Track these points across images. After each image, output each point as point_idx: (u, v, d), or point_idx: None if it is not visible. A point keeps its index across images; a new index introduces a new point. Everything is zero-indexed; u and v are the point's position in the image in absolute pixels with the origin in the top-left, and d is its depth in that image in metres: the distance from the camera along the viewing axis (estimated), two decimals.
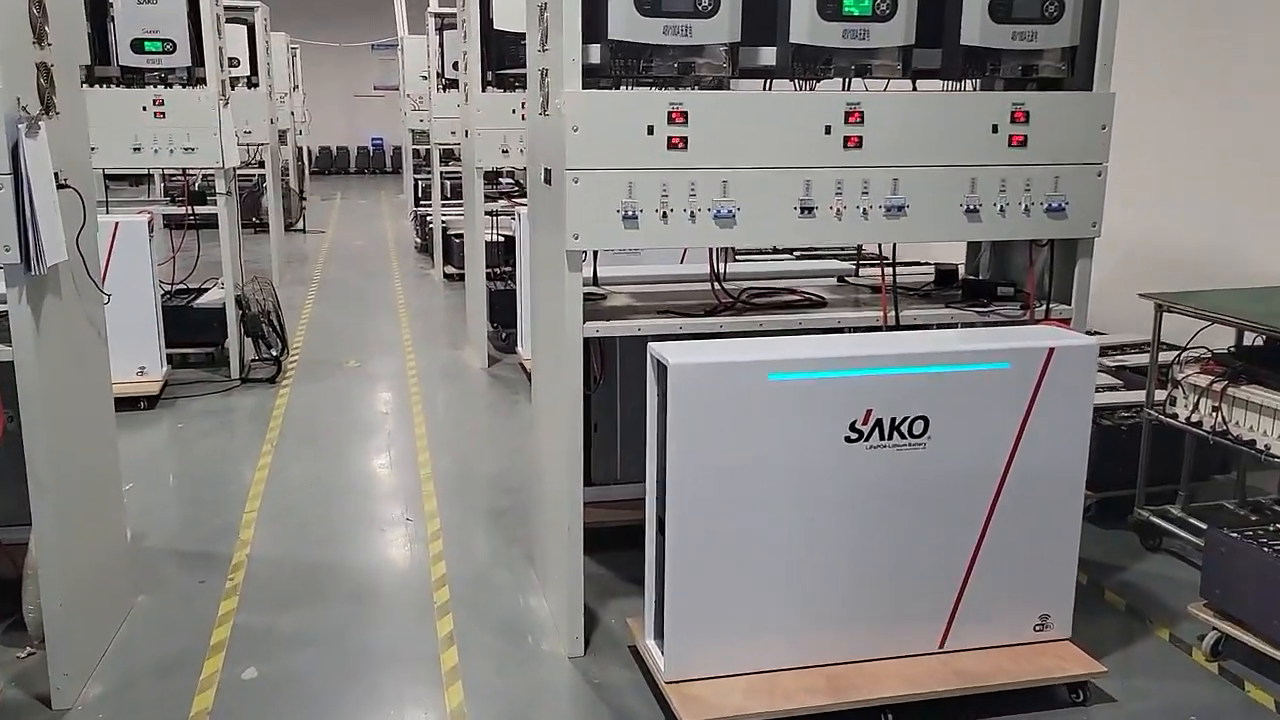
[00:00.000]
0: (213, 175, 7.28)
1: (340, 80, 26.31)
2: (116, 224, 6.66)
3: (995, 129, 3.72)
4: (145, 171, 12.39)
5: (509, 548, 4.75)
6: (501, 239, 9.98)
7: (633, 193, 3.48)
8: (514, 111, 7.37)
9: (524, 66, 5.64)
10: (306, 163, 21.18)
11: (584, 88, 3.43)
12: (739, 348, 3.49)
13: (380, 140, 27.63)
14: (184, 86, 7.06)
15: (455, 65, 10.98)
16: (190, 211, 7.19)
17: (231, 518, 5.03)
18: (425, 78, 15.83)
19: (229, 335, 7.42)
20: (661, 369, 3.34)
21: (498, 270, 8.81)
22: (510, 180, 12.36)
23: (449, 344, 8.65)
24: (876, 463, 3.44)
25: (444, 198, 12.12)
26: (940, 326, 3.98)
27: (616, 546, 4.25)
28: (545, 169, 3.78)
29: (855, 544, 3.48)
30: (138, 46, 6.91)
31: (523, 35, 7.36)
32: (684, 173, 3.51)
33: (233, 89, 10.69)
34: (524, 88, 7.55)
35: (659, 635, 3.47)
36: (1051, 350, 3.45)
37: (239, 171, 13.66)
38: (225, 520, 5.00)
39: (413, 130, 16.31)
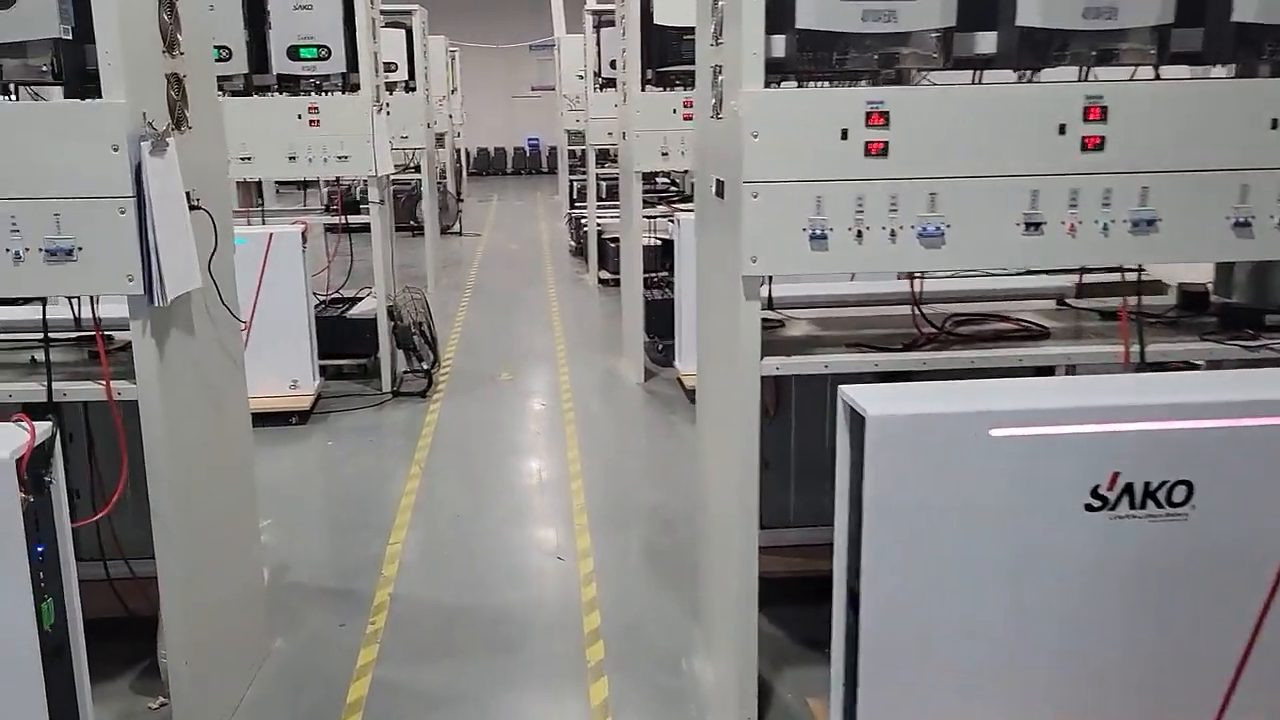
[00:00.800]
0: (367, 183, 7.09)
1: (498, 81, 26.54)
2: (271, 235, 6.54)
3: (1275, 124, 3.01)
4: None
5: (669, 596, 4.29)
6: (658, 242, 9.59)
7: (822, 208, 2.95)
8: (674, 112, 6.92)
9: (687, 63, 5.21)
10: (464, 164, 21.36)
11: (765, 86, 2.92)
12: (951, 394, 2.87)
13: (536, 140, 27.76)
14: (340, 93, 6.90)
15: (613, 64, 10.64)
16: (344, 221, 7.03)
17: (375, 550, 4.74)
18: (581, 77, 15.68)
19: (380, 347, 7.23)
20: (857, 419, 2.74)
21: (655, 277, 8.39)
22: (667, 181, 11.98)
23: (604, 355, 8.27)
24: (1125, 536, 2.77)
25: (599, 200, 11.80)
26: (1191, 366, 3.30)
27: (790, 599, 3.73)
28: (717, 180, 3.28)
29: (1096, 636, 2.85)
30: (293, 53, 6.77)
31: (685, 30, 6.94)
32: (883, 183, 2.96)
33: (390, 94, 10.73)
34: (686, 86, 7.13)
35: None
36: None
37: (395, 176, 13.77)
38: (369, 553, 4.72)
39: (569, 131, 16.13)
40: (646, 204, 7.78)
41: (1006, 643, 2.82)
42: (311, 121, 6.79)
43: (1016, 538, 2.77)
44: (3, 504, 2.45)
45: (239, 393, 3.73)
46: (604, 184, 12.91)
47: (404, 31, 10.51)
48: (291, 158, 6.81)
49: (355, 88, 6.87)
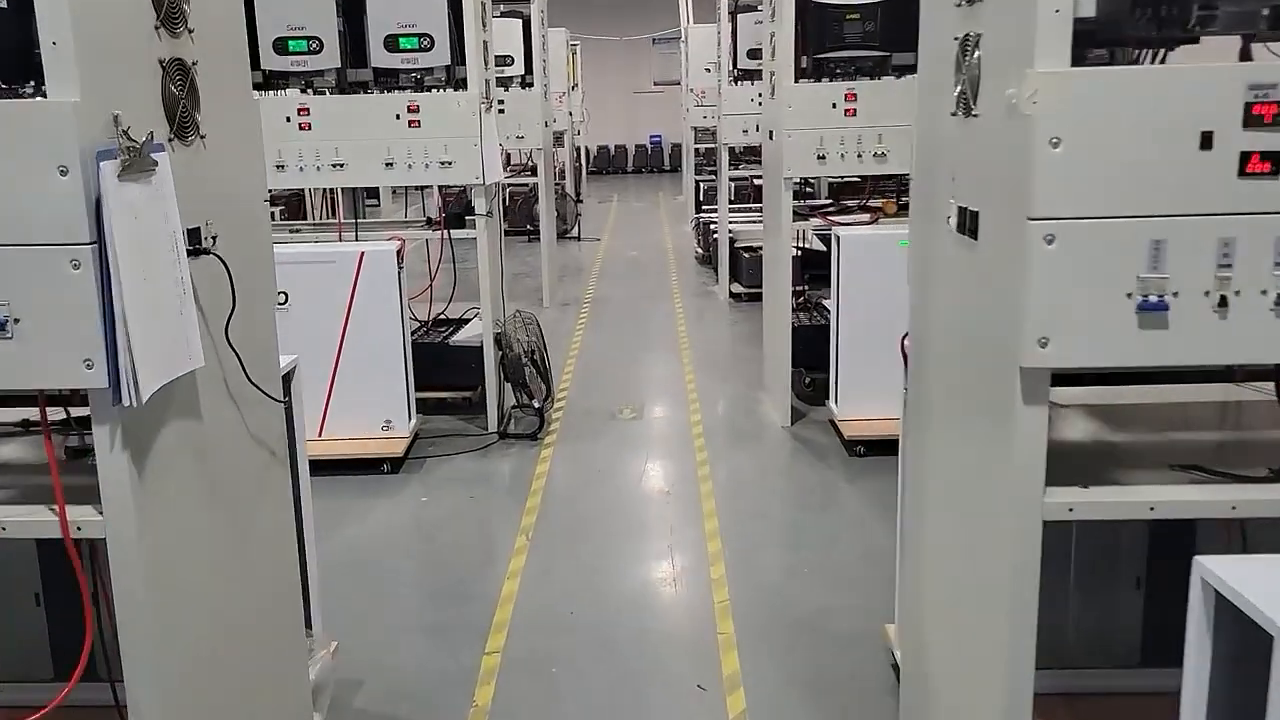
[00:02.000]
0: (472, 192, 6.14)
1: (619, 76, 25.63)
2: (362, 254, 5.65)
3: None
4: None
5: None
6: (798, 250, 8.46)
7: (1161, 260, 1.81)
8: (834, 107, 5.77)
9: (850, 48, 5.01)
10: (584, 163, 20.51)
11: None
12: None
13: (659, 138, 26.77)
14: (442, 90, 5.98)
15: (750, 53, 9.52)
16: (446, 236, 6.13)
17: (468, 660, 3.77)
18: (709, 70, 14.60)
19: (487, 380, 6.30)
20: (1242, 625, 1.63)
21: (800, 295, 7.26)
22: (798, 184, 10.78)
23: (741, 388, 7.17)
24: None
25: (731, 204, 10.68)
26: None
27: None
28: (965, 211, 2.17)
29: None
30: (392, 44, 5.87)
31: (848, 9, 5.79)
32: (1262, 220, 1.80)
33: (505, 90, 9.84)
34: (848, 76, 5.97)
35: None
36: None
37: (511, 179, 12.91)
38: (460, 665, 3.75)
39: (695, 128, 15.07)
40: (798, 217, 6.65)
41: None
42: (411, 122, 5.88)
43: None
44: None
45: (278, 488, 2.77)
46: (733, 184, 11.83)
47: (520, 22, 9.59)
48: (389, 164, 5.92)
49: (462, 83, 5.95)
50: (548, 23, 10.23)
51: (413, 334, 6.87)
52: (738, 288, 10.07)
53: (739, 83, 9.81)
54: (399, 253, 5.75)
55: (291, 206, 9.62)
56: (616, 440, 6.22)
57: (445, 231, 6.13)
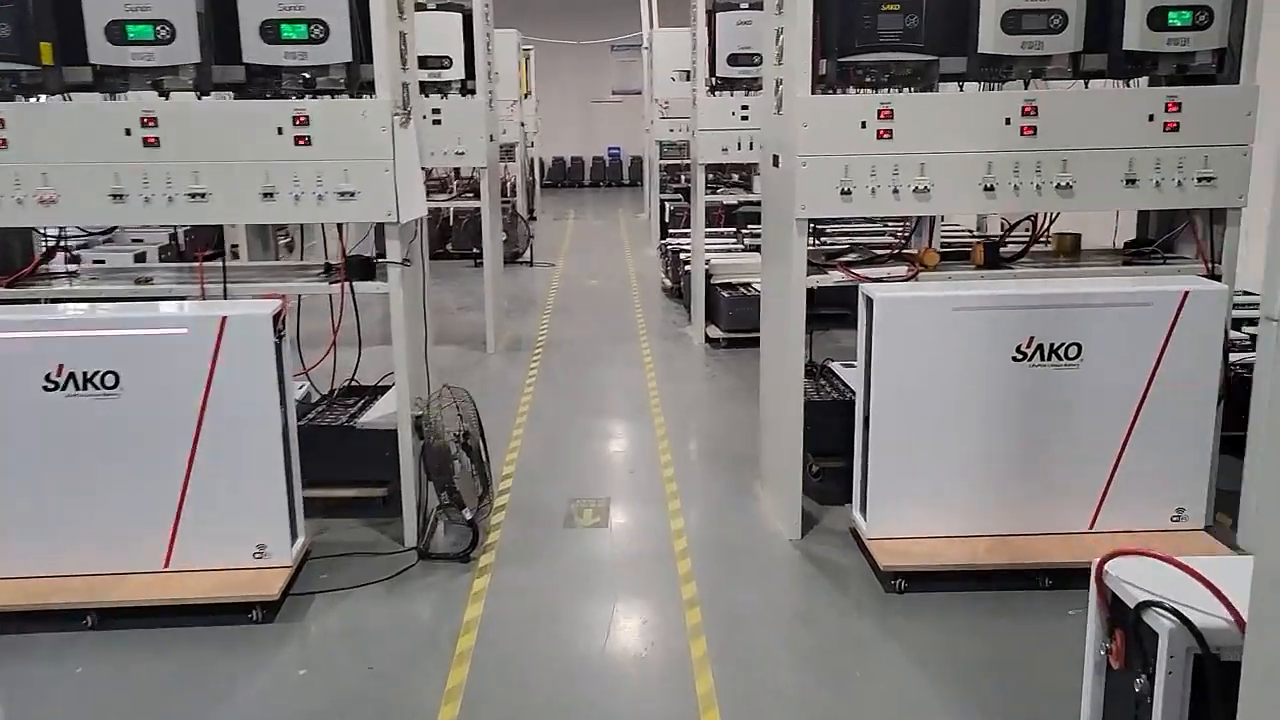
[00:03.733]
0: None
1: (576, 84, 24.12)
2: (223, 320, 4.11)
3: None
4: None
5: None
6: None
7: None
8: (864, 126, 4.32)
9: (887, 50, 4.38)
10: (538, 178, 19.01)
11: None
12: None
13: (618, 150, 25.29)
14: (342, 95, 4.47)
15: (732, 60, 8.12)
16: (347, 288, 4.59)
17: None
18: (675, 79, 13.20)
19: (403, 481, 4.78)
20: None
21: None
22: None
23: (732, 476, 5.70)
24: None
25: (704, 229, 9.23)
26: None
27: None
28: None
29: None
30: (271, 32, 4.35)
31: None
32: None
33: (442, 97, 8.32)
34: (879, 87, 4.55)
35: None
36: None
37: (448, 201, 11.33)
38: None
39: (660, 142, 13.65)
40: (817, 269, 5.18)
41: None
42: (299, 138, 4.36)
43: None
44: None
45: None
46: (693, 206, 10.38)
47: (460, 17, 8.07)
48: (267, 194, 4.39)
49: (369, 87, 4.44)
50: (494, 21, 8.72)
51: (309, 413, 5.33)
52: (715, 331, 8.62)
53: (717, 93, 8.41)
54: (277, 316, 4.22)
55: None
56: (574, 563, 4.71)
57: (345, 280, 4.59)
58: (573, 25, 22.94)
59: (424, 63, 8.01)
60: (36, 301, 4.60)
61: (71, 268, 4.88)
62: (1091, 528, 4.42)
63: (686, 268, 9.58)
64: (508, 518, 5.16)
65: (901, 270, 4.62)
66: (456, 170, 11.07)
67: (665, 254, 11.30)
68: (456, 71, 8.14)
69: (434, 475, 4.70)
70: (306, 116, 4.34)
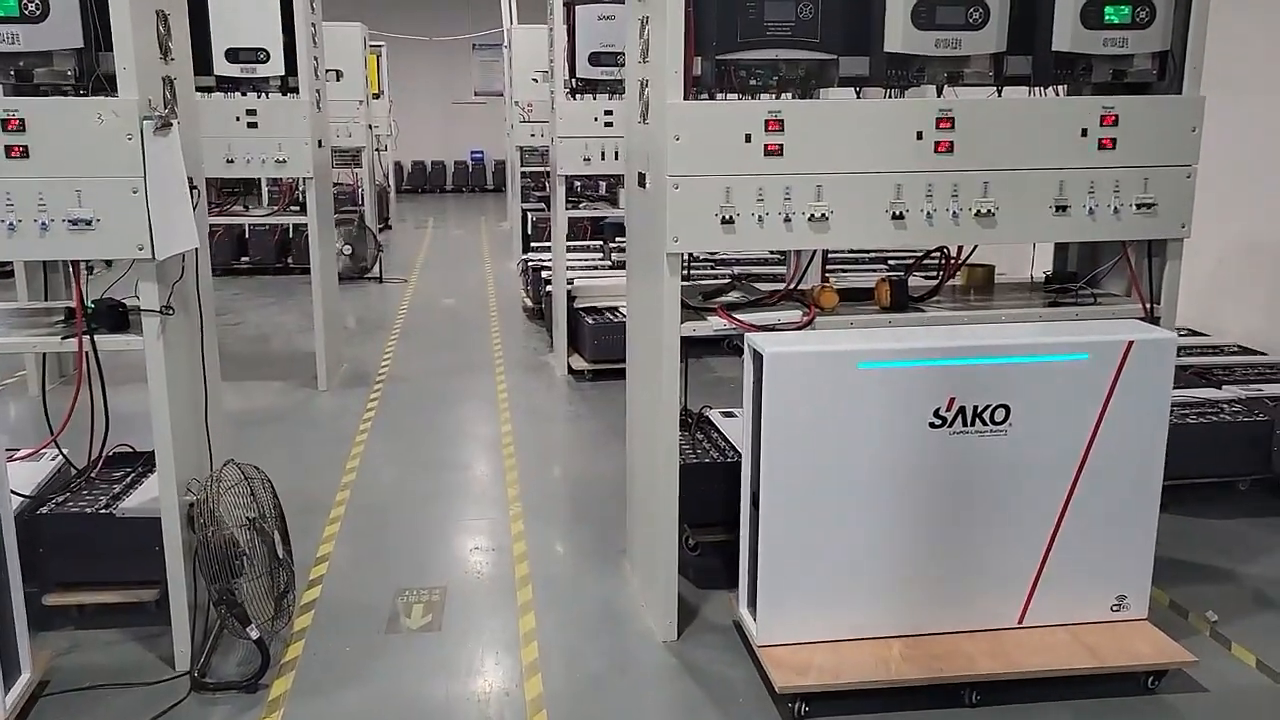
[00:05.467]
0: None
1: (436, 84, 22.87)
2: None
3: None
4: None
5: None
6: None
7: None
8: (748, 140, 3.49)
9: (776, 45, 3.57)
10: (393, 185, 17.78)
11: None
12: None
13: (481, 154, 24.16)
14: (75, 93, 3.41)
15: (594, 59, 7.26)
16: (85, 344, 3.50)
17: None
18: (537, 80, 12.30)
19: (170, 588, 3.73)
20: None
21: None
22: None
23: (593, 554, 4.81)
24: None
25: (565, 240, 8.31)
26: None
27: None
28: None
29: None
30: None
31: None
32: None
33: (260, 96, 7.20)
34: (764, 90, 3.72)
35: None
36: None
37: (270, 217, 10.09)
38: None
39: (521, 147, 12.73)
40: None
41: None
42: (11, 148, 3.27)
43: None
44: None
45: None
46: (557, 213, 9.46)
47: (277, 4, 6.95)
48: None
49: (108, 82, 3.38)
50: (323, 10, 7.62)
51: (60, 494, 4.22)
52: (580, 362, 7.73)
53: (578, 96, 7.53)
54: None
55: None
56: (394, 687, 3.72)
57: (82, 335, 3.50)
58: (430, 21, 21.73)
59: (235, 56, 6.90)
60: None
61: None
62: (1021, 622, 3.70)
63: (548, 288, 8.66)
64: (316, 620, 4.15)
65: (794, 315, 3.81)
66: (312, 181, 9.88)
67: (526, 270, 10.34)
68: (276, 67, 7.01)
69: (210, 581, 3.66)
70: (20, 120, 3.26)
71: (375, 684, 3.73)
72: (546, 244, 10.64)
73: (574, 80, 7.30)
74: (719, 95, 3.61)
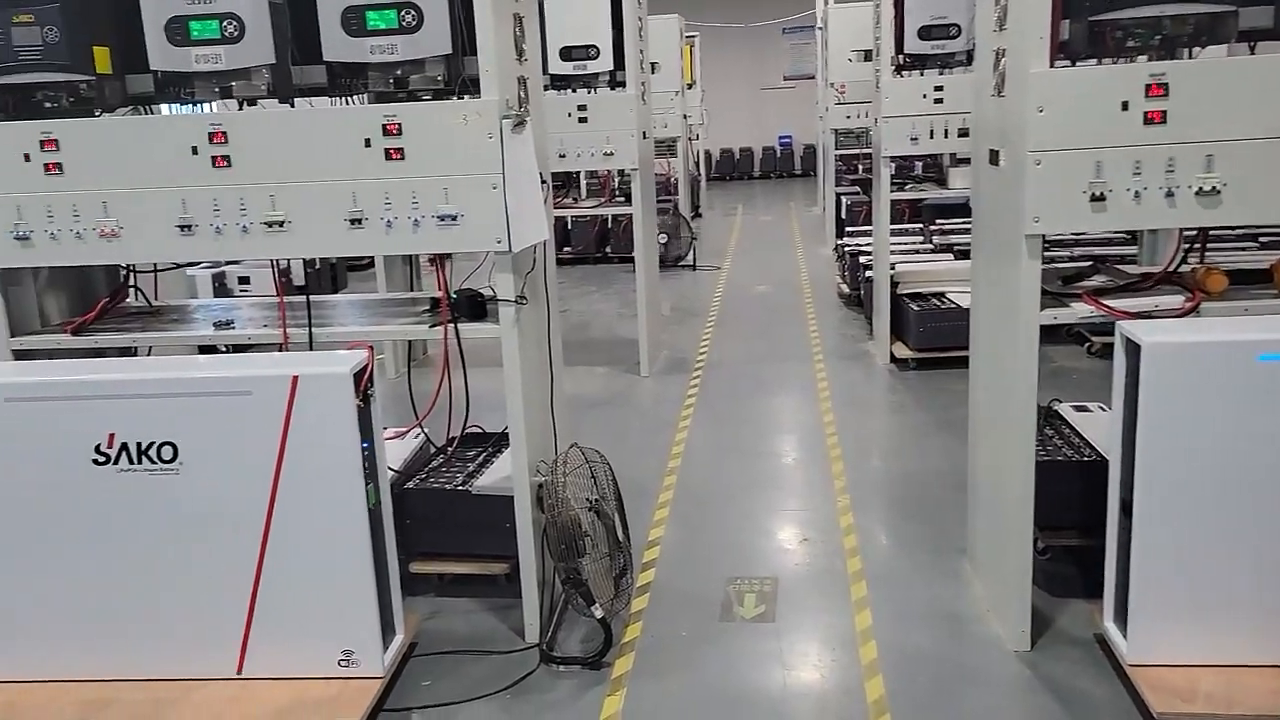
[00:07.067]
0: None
1: (744, 70, 22.99)
2: (295, 380, 3.33)
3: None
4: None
5: None
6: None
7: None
8: (1125, 108, 3.14)
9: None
10: (703, 173, 18.03)
11: None
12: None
13: (789, 139, 24.03)
14: (439, 98, 3.63)
15: (924, 33, 6.94)
16: (452, 331, 3.75)
17: None
18: (853, 60, 12.02)
19: (522, 564, 3.92)
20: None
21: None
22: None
23: (929, 551, 4.58)
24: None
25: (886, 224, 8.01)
26: None
27: None
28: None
29: None
30: (355, 22, 3.54)
31: None
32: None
33: (590, 91, 7.47)
34: (1143, 53, 3.35)
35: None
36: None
37: (596, 208, 10.45)
38: None
39: (836, 130, 12.49)
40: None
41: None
42: (390, 151, 3.54)
43: None
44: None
45: None
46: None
47: (607, 3, 7.17)
48: (355, 221, 3.58)
49: (473, 85, 3.57)
50: (648, 5, 7.80)
51: (422, 471, 4.56)
52: (903, 350, 7.45)
53: (904, 73, 7.22)
54: (361, 372, 3.40)
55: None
56: (733, 676, 3.71)
57: (450, 328, 3.74)
58: (740, 7, 21.82)
59: (568, 54, 7.19)
60: (100, 352, 3.96)
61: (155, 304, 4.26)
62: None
63: (867, 273, 8.42)
64: (651, 605, 4.23)
65: (1175, 301, 3.41)
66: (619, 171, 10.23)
67: (842, 256, 10.13)
68: (605, 63, 7.25)
69: (558, 560, 3.81)
70: (398, 124, 3.51)
71: (711, 670, 3.74)
72: (861, 228, 10.38)
73: (901, 57, 7.01)
74: (1090, 61, 3.28)
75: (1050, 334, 7.43)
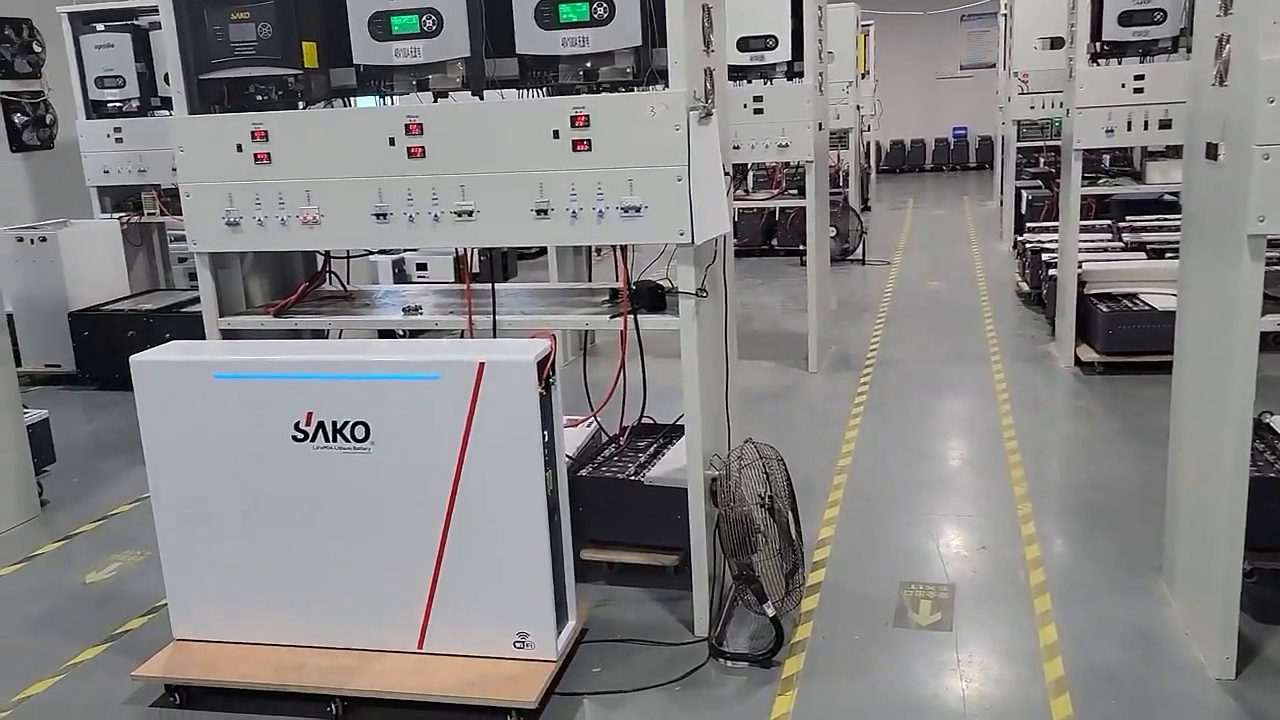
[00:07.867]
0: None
1: (918, 60, 22.33)
2: (481, 366, 3.41)
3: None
4: None
5: None
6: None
7: None
8: None
9: None
10: (874, 164, 17.63)
11: None
12: None
13: (964, 130, 23.22)
14: (627, 89, 3.64)
15: (1124, 19, 6.56)
16: (631, 323, 3.76)
17: None
18: (1039, 48, 11.49)
19: (693, 557, 3.91)
20: None
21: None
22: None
23: (1118, 567, 4.34)
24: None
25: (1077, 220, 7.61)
26: None
27: None
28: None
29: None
30: (549, 15, 3.59)
31: None
32: None
33: (767, 83, 7.39)
34: None
35: None
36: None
37: (768, 200, 10.34)
38: None
39: (1018, 121, 11.98)
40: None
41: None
42: (577, 143, 3.57)
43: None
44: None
45: None
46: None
47: None
48: (541, 211, 3.64)
49: (660, 75, 3.57)
50: None
51: (595, 459, 4.61)
52: (1088, 353, 7.08)
53: (1100, 61, 6.85)
54: (544, 361, 3.46)
55: None
56: (909, 683, 3.61)
57: (630, 319, 3.76)
58: None
59: (746, 44, 7.14)
60: (298, 334, 4.16)
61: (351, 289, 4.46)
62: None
63: (1050, 271, 8.04)
64: (821, 605, 4.15)
65: None
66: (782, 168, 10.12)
67: (1022, 253, 9.71)
68: (782, 53, 7.16)
69: (730, 555, 3.79)
70: (586, 116, 3.55)
71: (885, 676, 3.64)
72: (1043, 224, 9.93)
73: (1098, 44, 6.64)
74: None
75: (1261, 341, 6.92)
